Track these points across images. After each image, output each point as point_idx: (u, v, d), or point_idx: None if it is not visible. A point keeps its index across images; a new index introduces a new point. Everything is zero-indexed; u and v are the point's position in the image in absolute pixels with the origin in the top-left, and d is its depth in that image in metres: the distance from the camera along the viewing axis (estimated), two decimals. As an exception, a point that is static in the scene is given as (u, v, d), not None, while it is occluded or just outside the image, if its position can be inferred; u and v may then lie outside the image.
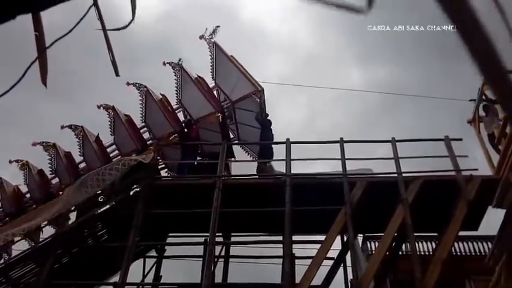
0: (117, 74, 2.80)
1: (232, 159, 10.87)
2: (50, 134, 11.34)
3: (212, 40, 10.25)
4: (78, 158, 11.17)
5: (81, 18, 2.27)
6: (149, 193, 8.36)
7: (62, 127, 11.04)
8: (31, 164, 11.01)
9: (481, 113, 8.66)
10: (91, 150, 10.83)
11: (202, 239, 8.13)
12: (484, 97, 8.41)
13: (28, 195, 11.13)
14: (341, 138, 8.60)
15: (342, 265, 8.02)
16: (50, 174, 11.15)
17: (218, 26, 10.21)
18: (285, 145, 8.78)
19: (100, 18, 2.51)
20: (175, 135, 10.34)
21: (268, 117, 10.06)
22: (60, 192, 10.37)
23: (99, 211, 8.87)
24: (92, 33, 2.59)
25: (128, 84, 10.69)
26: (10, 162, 11.13)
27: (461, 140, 8.49)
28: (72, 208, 8.73)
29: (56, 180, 11.14)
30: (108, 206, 9.11)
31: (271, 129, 9.92)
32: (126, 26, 2.61)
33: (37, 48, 2.30)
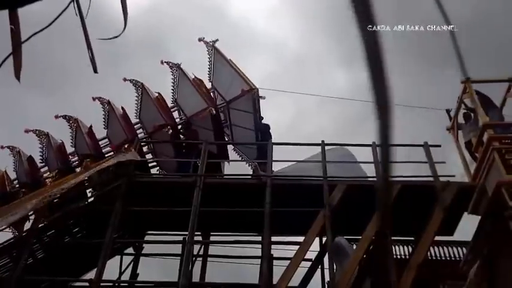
0: (95, 71, 2.78)
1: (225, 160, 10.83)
2: (33, 126, 11.11)
3: (211, 44, 10.35)
4: (69, 148, 11.16)
5: (60, 14, 2.24)
6: (128, 190, 8.28)
7: (56, 117, 10.95)
8: (21, 151, 11.01)
9: (461, 120, 8.81)
10: (83, 142, 10.81)
11: (180, 238, 8.09)
12: (463, 105, 8.56)
13: (16, 182, 11.12)
14: (322, 141, 8.69)
15: (319, 267, 8.07)
16: (40, 162, 11.11)
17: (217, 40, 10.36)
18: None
19: (80, 14, 2.48)
20: (169, 127, 10.26)
21: (262, 121, 10.16)
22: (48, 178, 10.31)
23: (78, 206, 8.77)
24: (79, 26, 2.55)
25: (125, 80, 10.66)
26: (2, 147, 11.10)
27: (439, 146, 8.65)
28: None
29: (45, 169, 11.13)
30: (87, 202, 9.00)
31: (270, 134, 9.97)
32: (118, 35, 2.60)
33: (12, 42, 2.26)
